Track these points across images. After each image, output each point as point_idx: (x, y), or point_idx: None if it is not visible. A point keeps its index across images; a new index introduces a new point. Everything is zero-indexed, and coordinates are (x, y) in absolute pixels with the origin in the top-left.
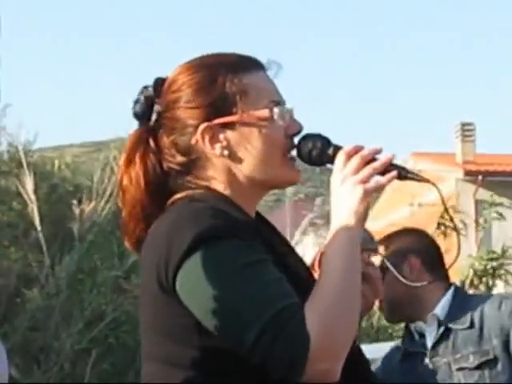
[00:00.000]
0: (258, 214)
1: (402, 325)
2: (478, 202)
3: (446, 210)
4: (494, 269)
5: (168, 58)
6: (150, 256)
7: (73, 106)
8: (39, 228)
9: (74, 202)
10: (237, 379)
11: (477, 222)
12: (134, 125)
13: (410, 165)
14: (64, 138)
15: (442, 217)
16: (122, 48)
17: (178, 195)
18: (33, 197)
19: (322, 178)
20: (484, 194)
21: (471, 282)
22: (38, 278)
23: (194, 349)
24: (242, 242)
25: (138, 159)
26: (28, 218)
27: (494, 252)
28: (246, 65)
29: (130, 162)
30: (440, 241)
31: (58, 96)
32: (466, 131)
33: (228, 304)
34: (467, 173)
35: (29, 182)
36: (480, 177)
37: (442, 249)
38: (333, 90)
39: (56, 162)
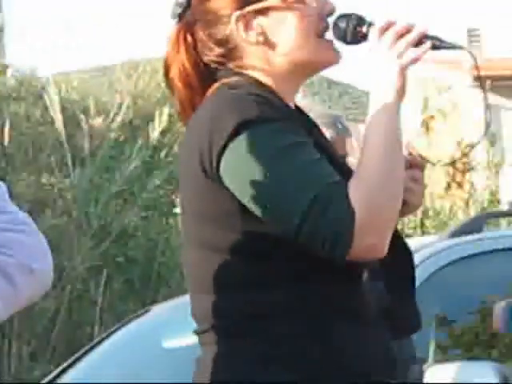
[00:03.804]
0: (297, 106)
1: None
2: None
3: (479, 75)
4: None
5: None
6: (193, 141)
7: (80, 31)
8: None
9: (82, 117)
10: (281, 264)
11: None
12: (142, 47)
13: (417, 72)
14: (71, 64)
15: None
16: None
17: (216, 84)
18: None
19: (329, 92)
20: (494, 99)
21: None
22: (49, 201)
23: (237, 233)
24: (284, 125)
25: (181, 55)
26: (39, 140)
27: None
28: None
29: (173, 60)
30: None
31: (62, 23)
32: (473, 37)
33: (273, 184)
34: (475, 78)
35: (40, 106)
36: (489, 82)
37: None
38: None
39: (63, 86)
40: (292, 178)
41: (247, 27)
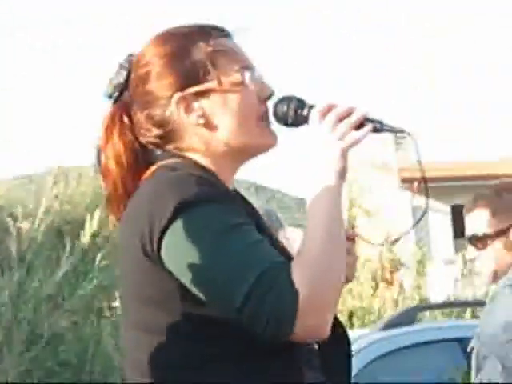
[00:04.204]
0: (234, 190)
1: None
2: (414, 209)
3: (422, 172)
4: None
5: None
6: (133, 223)
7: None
8: None
9: (9, 220)
10: (219, 345)
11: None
12: (69, 157)
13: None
14: None
15: None
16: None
17: (153, 167)
18: None
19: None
20: (421, 201)
21: None
22: None
23: (177, 315)
24: (224, 206)
25: (115, 137)
26: None
27: None
28: (214, 32)
29: (107, 141)
30: None
31: None
32: (400, 138)
33: (215, 266)
34: (403, 180)
35: None
36: (415, 184)
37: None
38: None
39: None
40: (234, 259)
41: (188, 109)
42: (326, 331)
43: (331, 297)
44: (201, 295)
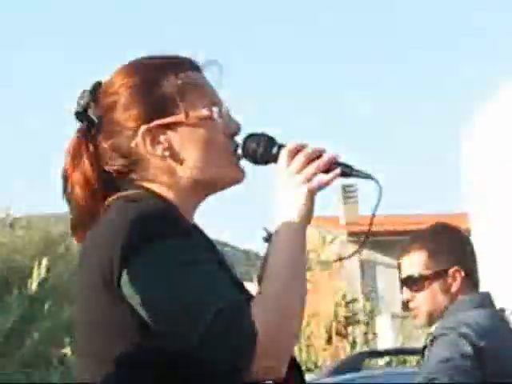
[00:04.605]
0: (195, 225)
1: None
2: (362, 262)
3: (370, 224)
4: None
5: None
6: (92, 255)
7: None
8: None
9: None
10: (172, 378)
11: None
12: (19, 203)
13: None
14: None
15: None
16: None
17: (113, 196)
18: None
19: None
20: (369, 254)
21: None
22: None
23: (132, 346)
24: (184, 241)
25: (81, 164)
26: None
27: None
28: (184, 65)
29: (72, 169)
30: None
31: None
32: (349, 193)
33: (174, 300)
34: (351, 234)
35: None
36: (363, 237)
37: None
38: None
39: None
40: (193, 293)
41: (154, 141)
42: (282, 372)
43: (289, 339)
44: (159, 327)
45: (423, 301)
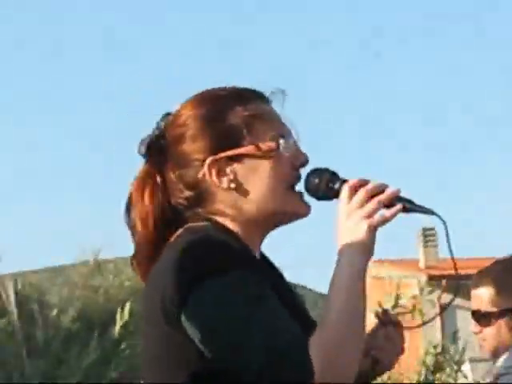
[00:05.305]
0: (262, 255)
1: None
2: (442, 307)
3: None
4: None
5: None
6: (156, 289)
7: (33, 233)
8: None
9: (36, 307)
10: None
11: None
12: (108, 247)
13: (373, 272)
14: (25, 264)
15: None
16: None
17: (181, 230)
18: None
19: None
20: (448, 298)
21: None
22: None
23: (194, 377)
24: (246, 275)
25: (146, 197)
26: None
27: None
28: (251, 97)
29: (137, 201)
30: None
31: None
32: (428, 236)
33: (234, 336)
34: (431, 277)
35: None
36: (444, 281)
37: None
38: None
39: (20, 283)
40: (253, 330)
41: (220, 173)
42: None
43: (346, 376)
44: (218, 362)
45: (489, 335)
